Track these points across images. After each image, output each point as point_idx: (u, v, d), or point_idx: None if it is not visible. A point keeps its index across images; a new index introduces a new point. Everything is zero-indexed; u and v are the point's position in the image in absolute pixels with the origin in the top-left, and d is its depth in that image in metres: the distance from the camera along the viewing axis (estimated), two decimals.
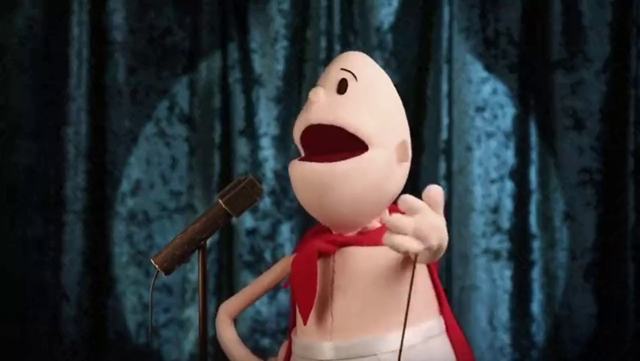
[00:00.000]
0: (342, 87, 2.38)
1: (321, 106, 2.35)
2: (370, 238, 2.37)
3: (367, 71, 2.42)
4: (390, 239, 2.05)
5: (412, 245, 2.05)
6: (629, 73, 3.88)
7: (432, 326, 2.41)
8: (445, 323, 2.46)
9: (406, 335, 2.22)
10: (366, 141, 2.33)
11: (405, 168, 2.42)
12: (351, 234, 2.40)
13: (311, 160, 2.35)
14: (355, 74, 2.39)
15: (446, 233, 2.14)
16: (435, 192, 2.08)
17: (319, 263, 2.37)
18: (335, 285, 2.38)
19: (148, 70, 3.96)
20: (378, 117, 2.37)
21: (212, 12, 3.94)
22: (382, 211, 2.40)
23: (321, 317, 2.37)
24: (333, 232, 2.44)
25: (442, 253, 2.19)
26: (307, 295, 2.34)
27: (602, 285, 3.91)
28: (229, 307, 2.56)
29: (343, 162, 2.32)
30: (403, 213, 2.16)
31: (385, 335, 2.33)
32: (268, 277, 2.55)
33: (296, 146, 2.47)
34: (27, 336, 3.87)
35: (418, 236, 2.05)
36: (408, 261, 2.34)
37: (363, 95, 2.37)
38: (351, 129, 2.32)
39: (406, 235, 2.04)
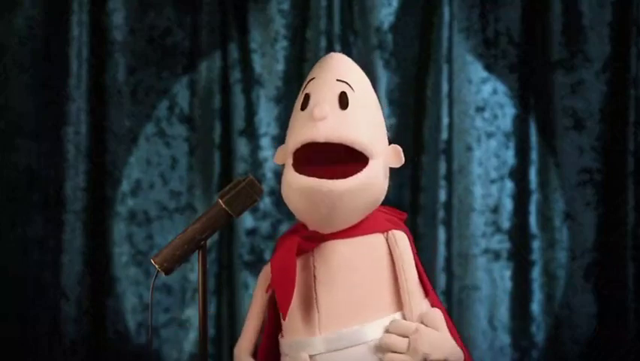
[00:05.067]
0: (343, 101, 2.40)
1: (328, 123, 2.35)
2: (346, 231, 2.41)
3: (358, 78, 2.47)
4: (387, 359, 2.29)
5: None
6: (629, 73, 3.88)
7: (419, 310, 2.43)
8: (432, 305, 2.48)
9: (394, 320, 2.35)
10: (368, 155, 2.37)
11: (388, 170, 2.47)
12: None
13: (316, 174, 2.34)
14: (351, 85, 2.42)
15: (453, 345, 2.33)
16: (432, 315, 2.33)
17: (300, 260, 2.40)
18: (317, 280, 2.40)
19: (148, 70, 3.96)
20: (374, 128, 2.43)
21: (212, 12, 3.94)
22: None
23: (307, 313, 2.39)
24: (310, 228, 2.45)
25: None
26: (286, 288, 2.35)
27: (602, 285, 3.91)
28: (243, 344, 2.54)
29: (354, 177, 2.35)
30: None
31: (373, 322, 2.35)
32: (257, 305, 2.56)
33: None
34: (27, 336, 3.87)
35: (416, 353, 2.28)
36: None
37: (362, 108, 2.41)
38: (358, 147, 2.36)
39: (401, 353, 2.28)
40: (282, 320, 2.42)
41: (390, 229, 2.42)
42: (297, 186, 2.37)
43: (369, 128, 2.40)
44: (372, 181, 2.38)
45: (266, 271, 2.52)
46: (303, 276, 2.40)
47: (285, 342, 2.45)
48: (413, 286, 2.40)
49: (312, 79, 2.46)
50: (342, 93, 2.40)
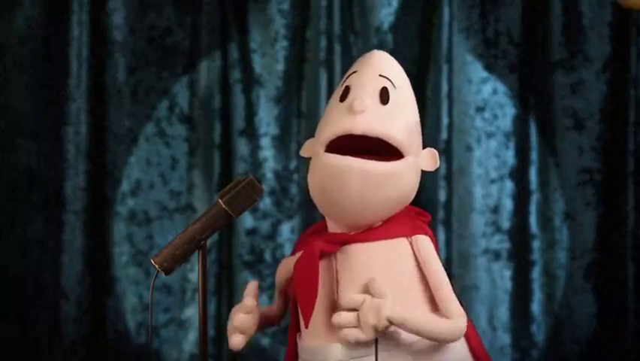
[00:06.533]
0: (384, 97, 2.38)
1: (367, 117, 2.33)
2: (370, 234, 2.38)
3: (401, 76, 2.45)
4: (342, 336, 2.28)
5: (360, 336, 2.26)
6: (629, 73, 3.88)
7: None
8: None
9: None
10: (403, 151, 2.36)
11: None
12: (353, 232, 2.40)
13: (354, 156, 2.31)
14: (393, 82, 2.40)
15: (390, 309, 2.26)
16: (370, 283, 2.29)
17: (322, 263, 2.37)
18: (340, 284, 2.37)
19: (148, 70, 3.96)
20: (412, 127, 2.41)
21: (212, 12, 3.94)
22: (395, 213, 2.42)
23: (328, 318, 2.36)
24: (330, 230, 2.43)
25: (405, 324, 2.29)
26: (308, 297, 2.33)
27: (602, 285, 3.91)
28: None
29: (386, 163, 2.32)
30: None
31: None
32: (278, 295, 2.56)
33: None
34: (27, 336, 3.87)
35: (365, 326, 2.26)
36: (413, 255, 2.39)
37: (402, 105, 2.40)
38: (394, 142, 2.34)
39: (354, 327, 2.27)
40: (302, 324, 2.40)
41: (413, 234, 2.39)
42: (328, 163, 2.33)
43: (407, 127, 2.38)
44: (403, 174, 2.36)
45: (285, 266, 2.51)
46: (324, 279, 2.37)
47: (304, 346, 2.44)
48: (444, 290, 2.37)
49: (354, 72, 2.42)
50: (384, 88, 2.38)
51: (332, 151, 2.35)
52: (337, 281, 2.38)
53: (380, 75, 2.40)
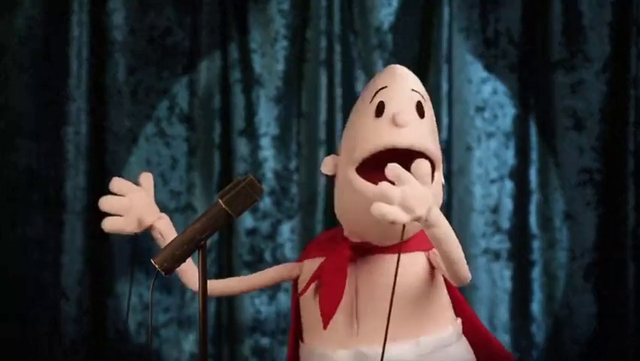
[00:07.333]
0: (421, 111, 2.40)
1: (411, 131, 2.34)
2: (393, 247, 2.38)
3: (424, 89, 2.47)
4: (378, 209, 2.10)
5: (399, 216, 2.11)
6: (629, 73, 3.88)
7: (449, 334, 2.43)
8: (464, 325, 2.48)
9: (421, 345, 2.34)
10: (437, 166, 2.37)
11: None
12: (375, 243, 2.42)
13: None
14: (423, 96, 2.43)
15: (433, 203, 2.19)
16: (422, 165, 2.16)
17: None
18: (359, 293, 2.38)
19: (148, 70, 3.96)
20: (437, 139, 2.44)
21: (212, 12, 3.94)
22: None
23: (345, 324, 2.37)
24: (349, 237, 2.43)
25: (436, 227, 2.23)
26: (333, 300, 2.34)
27: (602, 285, 3.91)
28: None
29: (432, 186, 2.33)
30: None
31: (413, 340, 2.36)
32: (259, 278, 2.56)
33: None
34: (27, 336, 3.87)
35: (405, 207, 2.11)
36: (434, 270, 2.42)
37: (432, 119, 2.43)
38: (433, 157, 2.36)
39: (392, 205, 2.11)
40: (315, 330, 2.41)
41: (431, 248, 2.41)
42: (363, 192, 2.31)
43: (436, 139, 2.42)
44: (440, 191, 2.41)
45: (286, 269, 2.52)
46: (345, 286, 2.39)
47: (308, 350, 2.44)
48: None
49: (384, 87, 2.41)
50: (419, 103, 2.40)
51: (362, 167, 2.35)
52: (357, 290, 2.38)
53: (412, 90, 2.42)
